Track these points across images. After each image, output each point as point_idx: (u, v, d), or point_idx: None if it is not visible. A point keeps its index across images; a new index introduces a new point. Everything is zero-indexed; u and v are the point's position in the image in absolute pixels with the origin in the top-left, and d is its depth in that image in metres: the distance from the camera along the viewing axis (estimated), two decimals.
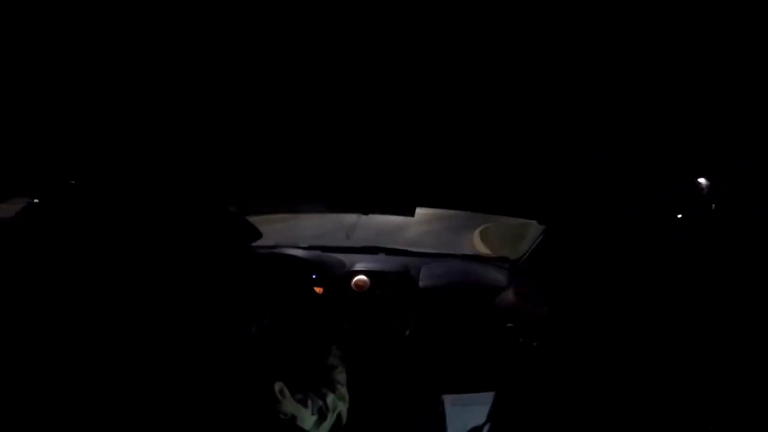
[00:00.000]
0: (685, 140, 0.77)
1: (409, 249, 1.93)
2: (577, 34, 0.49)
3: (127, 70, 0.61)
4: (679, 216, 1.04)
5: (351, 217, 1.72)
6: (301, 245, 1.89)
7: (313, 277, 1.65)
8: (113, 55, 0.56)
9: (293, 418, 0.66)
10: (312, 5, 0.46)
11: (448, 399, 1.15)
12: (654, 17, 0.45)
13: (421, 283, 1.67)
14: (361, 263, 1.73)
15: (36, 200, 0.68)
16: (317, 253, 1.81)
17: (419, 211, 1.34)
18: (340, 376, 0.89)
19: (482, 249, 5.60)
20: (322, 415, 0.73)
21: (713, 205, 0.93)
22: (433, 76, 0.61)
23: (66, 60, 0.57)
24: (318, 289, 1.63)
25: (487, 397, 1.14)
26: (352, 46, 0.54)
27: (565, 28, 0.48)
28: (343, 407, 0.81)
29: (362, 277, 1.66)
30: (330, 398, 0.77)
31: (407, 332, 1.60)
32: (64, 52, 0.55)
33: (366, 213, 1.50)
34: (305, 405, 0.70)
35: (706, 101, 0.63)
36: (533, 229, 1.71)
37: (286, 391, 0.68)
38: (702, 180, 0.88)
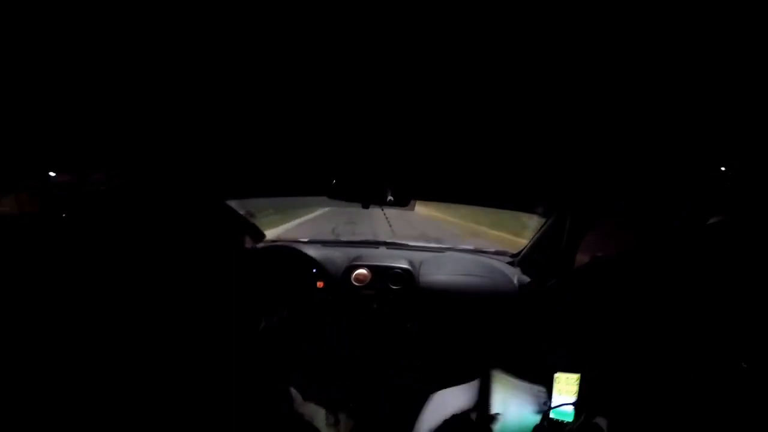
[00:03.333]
0: (686, 139, 0.77)
1: (409, 243, 1.94)
2: (580, 33, 0.48)
3: (128, 70, 0.60)
4: (679, 215, 1.04)
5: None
6: (302, 239, 1.90)
7: (314, 271, 1.65)
8: (115, 55, 0.56)
9: (310, 418, 0.66)
10: (312, 5, 0.46)
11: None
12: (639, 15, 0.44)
13: (421, 277, 1.67)
14: (361, 257, 1.73)
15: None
16: (317, 247, 1.81)
17: None
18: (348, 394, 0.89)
19: None
20: (335, 427, 0.73)
21: (711, 205, 0.92)
22: (436, 71, 0.60)
23: (67, 60, 0.57)
24: (318, 284, 1.64)
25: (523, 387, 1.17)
26: (352, 43, 0.53)
27: (570, 27, 0.47)
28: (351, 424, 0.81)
29: (362, 270, 1.66)
30: (342, 414, 0.78)
31: (408, 324, 1.61)
32: (63, 52, 0.55)
33: (365, 206, 1.50)
34: (320, 413, 0.70)
35: (705, 100, 0.62)
36: (534, 223, 1.71)
37: (300, 397, 0.68)
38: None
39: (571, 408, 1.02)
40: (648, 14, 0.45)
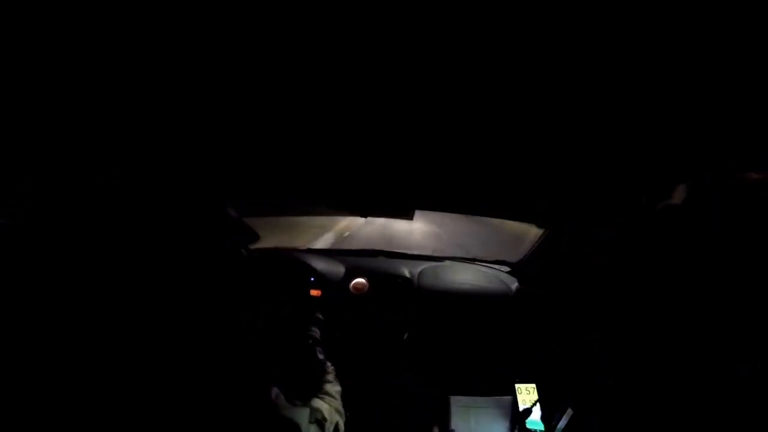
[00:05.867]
0: (685, 147, 0.77)
1: (407, 252, 1.93)
2: (578, 37, 0.49)
3: (128, 70, 0.60)
4: (678, 223, 1.04)
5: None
6: (300, 248, 1.89)
7: (311, 279, 1.64)
8: (115, 55, 0.56)
9: (293, 423, 0.66)
10: (312, 5, 0.46)
11: (454, 400, 1.16)
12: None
13: (419, 286, 1.66)
14: (360, 266, 1.72)
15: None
16: (315, 255, 1.80)
17: None
18: (335, 390, 0.90)
19: None
20: (320, 425, 0.73)
21: (713, 214, 0.93)
22: (435, 78, 0.60)
23: (66, 59, 0.57)
24: (316, 292, 1.62)
25: (488, 401, 1.15)
26: (352, 45, 0.54)
27: (569, 31, 0.48)
28: (340, 420, 0.81)
29: (360, 279, 1.65)
30: (326, 410, 0.77)
31: (406, 335, 1.59)
32: (63, 52, 0.55)
33: (364, 216, 1.49)
34: (303, 413, 0.70)
35: (703, 105, 0.63)
36: (532, 232, 1.71)
37: (282, 397, 0.67)
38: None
39: (538, 417, 1.02)
40: (650, 17, 0.45)
